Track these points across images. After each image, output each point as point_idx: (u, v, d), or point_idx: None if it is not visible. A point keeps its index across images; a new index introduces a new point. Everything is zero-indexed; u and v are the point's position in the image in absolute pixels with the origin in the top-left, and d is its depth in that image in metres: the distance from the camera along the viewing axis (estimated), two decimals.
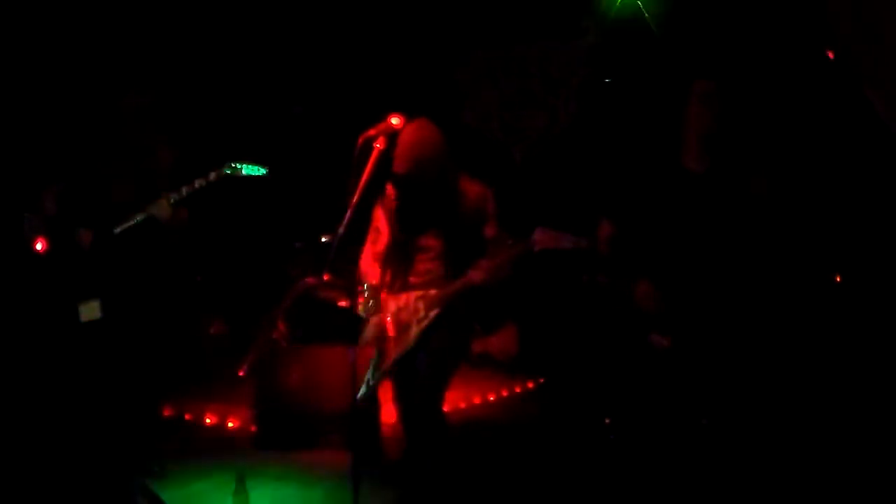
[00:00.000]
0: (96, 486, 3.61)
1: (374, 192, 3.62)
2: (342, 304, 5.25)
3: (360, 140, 3.30)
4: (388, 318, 3.56)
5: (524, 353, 6.73)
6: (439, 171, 3.46)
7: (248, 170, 4.11)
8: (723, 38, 5.66)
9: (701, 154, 3.50)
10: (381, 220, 3.63)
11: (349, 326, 3.56)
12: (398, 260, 3.58)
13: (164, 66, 6.26)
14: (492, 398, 6.00)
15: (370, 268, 3.63)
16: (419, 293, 3.52)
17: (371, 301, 3.57)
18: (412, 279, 3.56)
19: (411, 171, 3.44)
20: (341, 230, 3.32)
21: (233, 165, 4.07)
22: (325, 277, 5.26)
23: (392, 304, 3.55)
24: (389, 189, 3.63)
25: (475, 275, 3.42)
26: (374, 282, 3.60)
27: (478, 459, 4.53)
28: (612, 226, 3.61)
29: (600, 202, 3.77)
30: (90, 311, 3.82)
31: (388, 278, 3.61)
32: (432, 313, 3.47)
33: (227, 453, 4.75)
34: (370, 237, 3.65)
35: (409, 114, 3.47)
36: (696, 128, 3.46)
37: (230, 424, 5.33)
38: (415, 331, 3.49)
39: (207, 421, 5.38)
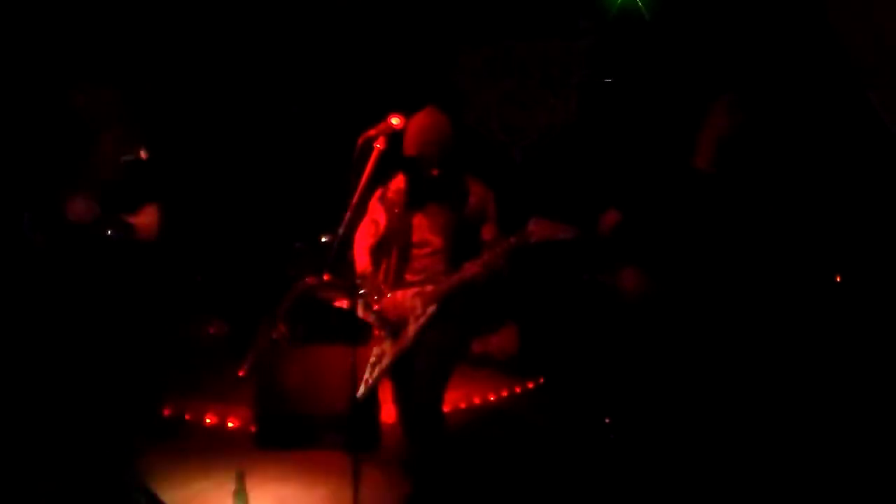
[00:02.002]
0: (96, 486, 3.61)
1: (373, 191, 3.63)
2: (342, 304, 5.25)
3: (360, 140, 3.30)
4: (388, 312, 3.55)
5: (524, 353, 6.73)
6: (446, 153, 3.46)
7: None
8: (721, 37, 5.66)
9: (713, 157, 3.54)
10: (378, 213, 3.62)
11: (349, 326, 3.55)
12: (395, 256, 3.58)
13: (164, 67, 6.27)
14: (492, 398, 6.00)
15: (361, 256, 3.61)
16: (415, 290, 3.51)
17: (371, 288, 3.55)
18: (409, 276, 3.56)
19: (418, 154, 3.44)
20: (341, 230, 3.32)
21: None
22: (325, 277, 5.25)
23: (388, 301, 3.55)
24: (392, 183, 3.63)
25: (470, 267, 3.41)
26: (364, 270, 3.58)
27: (478, 459, 4.53)
28: (618, 214, 3.62)
29: (607, 194, 3.78)
30: None
31: (382, 275, 3.60)
32: (429, 310, 3.47)
33: (227, 453, 4.74)
34: (368, 229, 3.63)
35: (408, 114, 3.47)
36: (716, 135, 3.51)
37: (230, 424, 5.32)
38: (412, 328, 3.48)
39: (207, 421, 5.38)
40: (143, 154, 3.73)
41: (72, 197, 3.60)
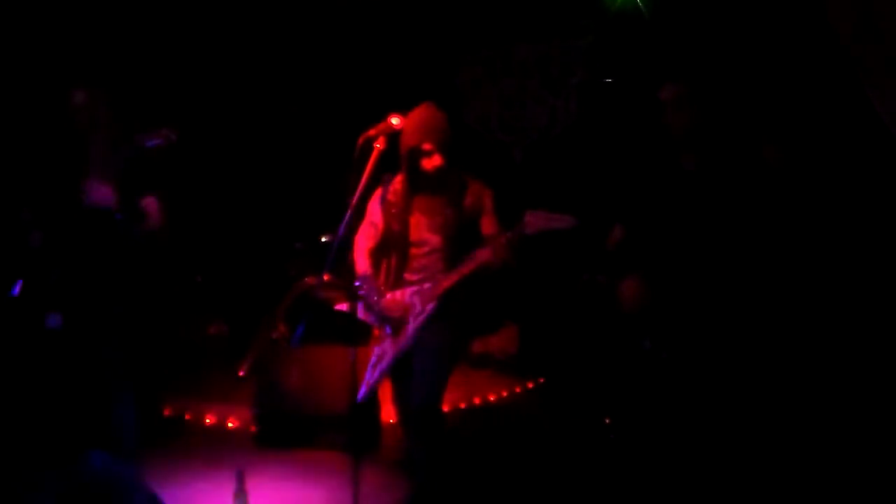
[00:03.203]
0: (96, 485, 3.61)
1: (373, 192, 3.63)
2: (342, 304, 5.25)
3: (360, 140, 3.31)
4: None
5: (524, 353, 6.73)
6: (445, 142, 3.47)
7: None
8: (722, 37, 5.66)
9: (691, 153, 3.54)
10: (377, 215, 3.63)
11: (349, 326, 3.55)
12: (394, 256, 3.58)
13: (164, 65, 6.27)
14: (492, 398, 6.00)
15: (361, 259, 3.62)
16: (414, 289, 3.52)
17: (370, 290, 3.55)
18: (408, 276, 3.56)
19: (417, 143, 3.44)
20: (341, 230, 3.32)
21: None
22: (325, 277, 5.26)
23: (387, 301, 3.55)
24: (391, 185, 3.63)
25: (482, 254, 3.40)
26: (363, 272, 3.58)
27: (478, 459, 4.53)
28: (623, 230, 3.62)
29: (606, 203, 3.78)
30: None
31: (382, 275, 3.61)
32: (427, 308, 3.47)
33: (227, 453, 4.75)
34: (367, 232, 3.64)
35: (409, 114, 3.48)
36: (675, 130, 3.51)
37: (230, 424, 5.33)
38: (411, 327, 3.49)
39: (207, 421, 5.38)
40: (172, 136, 3.73)
41: (91, 181, 3.63)
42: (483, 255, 3.40)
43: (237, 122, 7.01)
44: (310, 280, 5.84)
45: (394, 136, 3.41)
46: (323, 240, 6.40)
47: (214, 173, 6.82)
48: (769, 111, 5.28)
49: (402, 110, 3.45)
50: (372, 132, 3.34)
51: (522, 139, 7.27)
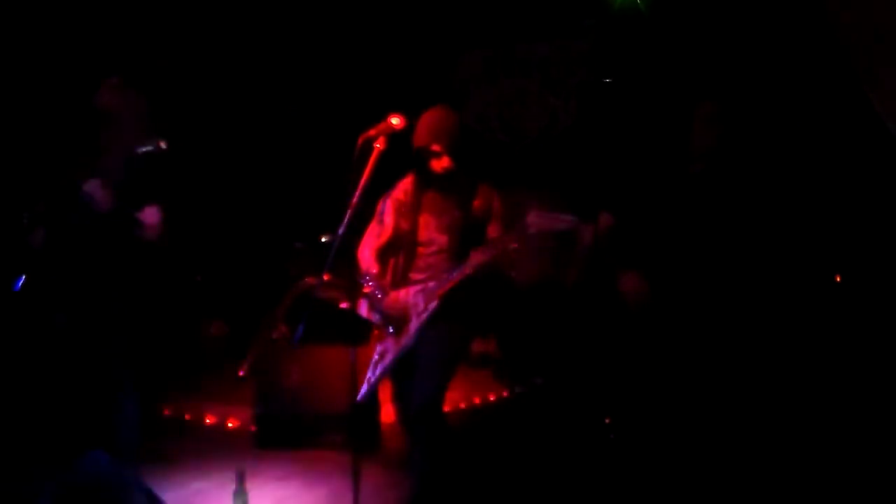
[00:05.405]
0: (96, 485, 3.61)
1: (373, 191, 3.63)
2: (342, 304, 5.26)
3: (360, 140, 3.31)
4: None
5: (524, 353, 6.72)
6: (455, 143, 3.47)
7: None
8: (721, 36, 5.66)
9: (704, 164, 3.55)
10: (388, 213, 3.63)
11: (349, 326, 3.55)
12: (401, 254, 3.59)
13: (162, 64, 6.27)
14: (492, 398, 6.00)
15: (365, 256, 3.62)
16: (418, 287, 3.52)
17: (374, 287, 3.55)
18: (413, 275, 3.57)
19: (427, 143, 3.45)
20: (341, 230, 3.32)
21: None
22: (325, 277, 5.26)
23: (391, 299, 3.55)
24: (401, 184, 3.64)
25: (476, 256, 3.40)
26: (368, 269, 3.59)
27: (478, 459, 4.53)
28: (611, 217, 3.63)
29: (601, 195, 3.79)
30: None
31: (388, 274, 3.61)
32: (431, 306, 3.47)
33: (227, 453, 4.75)
34: (374, 230, 3.65)
35: (409, 113, 3.48)
36: (700, 144, 3.53)
37: (230, 424, 5.33)
38: (414, 325, 3.49)
39: (207, 421, 5.39)
40: (162, 144, 3.74)
41: (91, 183, 3.62)
42: (483, 255, 3.40)
43: (237, 122, 7.01)
44: (310, 280, 5.83)
45: (394, 136, 3.41)
46: (323, 240, 6.40)
47: (215, 173, 6.82)
48: (768, 110, 5.29)
49: (402, 110, 3.45)
50: (372, 132, 3.34)
51: (522, 139, 7.27)
